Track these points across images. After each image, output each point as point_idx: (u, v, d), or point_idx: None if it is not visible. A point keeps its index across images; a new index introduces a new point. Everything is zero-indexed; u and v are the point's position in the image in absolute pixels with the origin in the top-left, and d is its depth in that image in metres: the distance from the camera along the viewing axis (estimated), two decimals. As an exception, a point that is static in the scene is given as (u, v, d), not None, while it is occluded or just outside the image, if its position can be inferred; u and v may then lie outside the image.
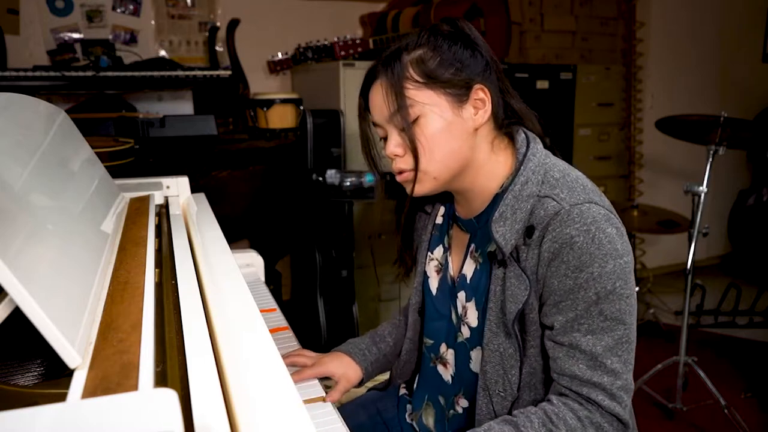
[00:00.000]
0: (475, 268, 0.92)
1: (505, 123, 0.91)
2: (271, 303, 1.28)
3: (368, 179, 2.04)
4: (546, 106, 2.84)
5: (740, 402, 2.21)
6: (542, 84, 2.82)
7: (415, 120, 0.84)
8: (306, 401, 0.90)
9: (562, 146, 2.94)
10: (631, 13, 3.17)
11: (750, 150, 3.71)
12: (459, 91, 0.84)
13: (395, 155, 0.88)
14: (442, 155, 0.85)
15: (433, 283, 1.02)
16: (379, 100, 0.86)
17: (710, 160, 1.98)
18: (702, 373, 2.05)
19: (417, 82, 0.84)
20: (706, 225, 2.02)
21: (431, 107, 0.84)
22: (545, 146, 0.91)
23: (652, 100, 3.42)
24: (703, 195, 1.96)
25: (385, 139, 0.90)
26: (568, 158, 3.33)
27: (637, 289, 3.29)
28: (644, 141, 3.30)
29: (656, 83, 3.43)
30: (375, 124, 0.91)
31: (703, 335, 2.86)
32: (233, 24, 2.53)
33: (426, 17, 2.49)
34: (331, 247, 2.28)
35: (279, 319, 1.21)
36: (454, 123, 0.84)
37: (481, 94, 0.85)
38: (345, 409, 1.13)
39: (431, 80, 0.84)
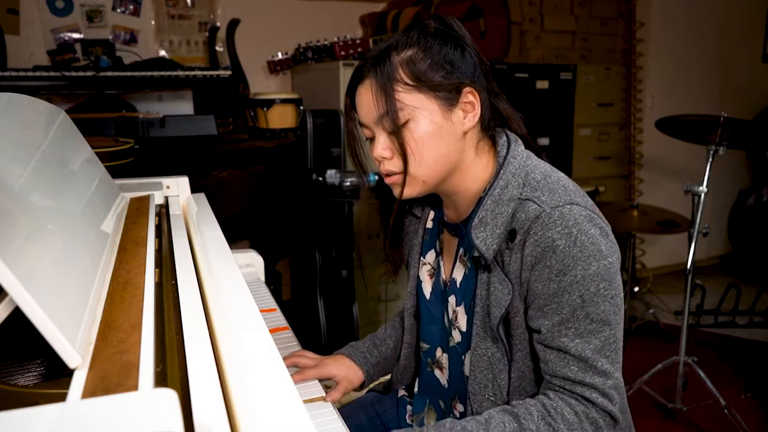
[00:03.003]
0: (464, 273, 0.92)
1: (491, 125, 0.90)
2: (271, 303, 1.28)
3: (370, 179, 2.04)
4: (546, 106, 2.84)
5: (740, 402, 2.21)
6: (542, 84, 2.82)
7: (405, 123, 0.82)
8: (306, 401, 0.90)
9: (562, 146, 2.94)
10: (631, 13, 3.17)
11: (750, 150, 3.71)
12: (449, 95, 0.83)
13: (383, 158, 0.86)
14: (431, 159, 0.84)
15: (427, 288, 1.02)
16: (368, 101, 0.84)
17: (710, 160, 1.98)
18: (702, 373, 2.05)
19: (407, 84, 0.82)
20: (706, 225, 2.02)
21: (421, 111, 0.82)
22: (530, 148, 0.90)
23: (652, 100, 3.42)
24: (703, 195, 1.96)
25: (371, 139, 0.89)
26: (568, 158, 3.32)
27: (636, 289, 3.27)
28: (644, 141, 3.30)
29: (656, 83, 3.43)
30: (361, 124, 0.89)
31: (703, 335, 2.86)
32: (233, 24, 2.53)
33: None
34: (331, 247, 2.28)
35: (279, 319, 1.21)
36: (443, 127, 0.83)
37: (470, 98, 0.84)
38: (344, 411, 1.13)
39: (421, 83, 0.82)
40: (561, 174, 0.87)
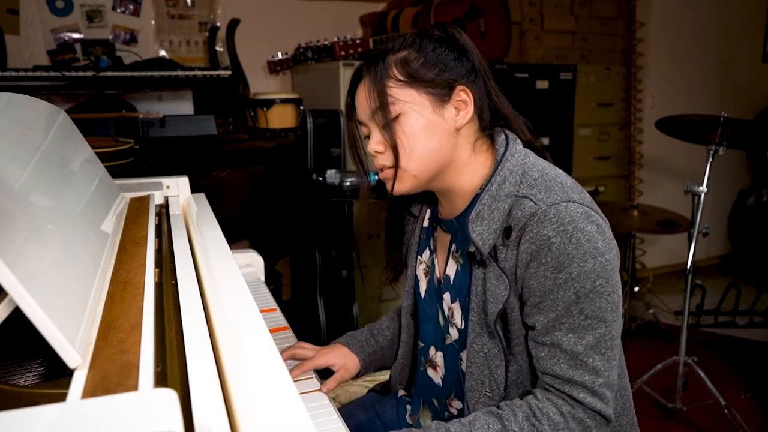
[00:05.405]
0: (457, 269, 0.93)
1: (489, 125, 0.91)
2: (271, 303, 1.28)
3: (371, 179, 2.04)
4: (546, 106, 2.84)
5: (740, 402, 2.21)
6: (542, 84, 2.82)
7: (396, 118, 0.85)
8: (302, 393, 0.91)
9: (562, 146, 2.94)
10: (631, 13, 3.17)
11: (750, 150, 3.71)
12: (441, 91, 0.85)
13: (376, 152, 0.89)
14: (421, 153, 0.86)
15: (423, 286, 1.02)
16: (363, 98, 0.88)
17: (710, 160, 1.98)
18: (702, 373, 2.05)
19: (399, 80, 0.85)
20: (706, 225, 2.02)
21: (412, 106, 0.85)
22: (534, 149, 0.91)
23: (652, 100, 3.42)
24: (703, 195, 1.96)
25: (368, 137, 0.92)
26: (568, 158, 3.32)
27: (636, 289, 3.25)
28: (644, 141, 3.30)
29: (656, 83, 3.43)
30: (360, 123, 0.92)
31: (703, 335, 2.86)
32: (233, 24, 2.53)
33: (426, 17, 2.49)
34: (331, 247, 2.28)
35: (279, 319, 1.21)
36: (434, 122, 0.85)
37: (463, 96, 0.86)
38: (344, 410, 1.13)
39: (413, 79, 0.85)
40: (559, 171, 0.87)
